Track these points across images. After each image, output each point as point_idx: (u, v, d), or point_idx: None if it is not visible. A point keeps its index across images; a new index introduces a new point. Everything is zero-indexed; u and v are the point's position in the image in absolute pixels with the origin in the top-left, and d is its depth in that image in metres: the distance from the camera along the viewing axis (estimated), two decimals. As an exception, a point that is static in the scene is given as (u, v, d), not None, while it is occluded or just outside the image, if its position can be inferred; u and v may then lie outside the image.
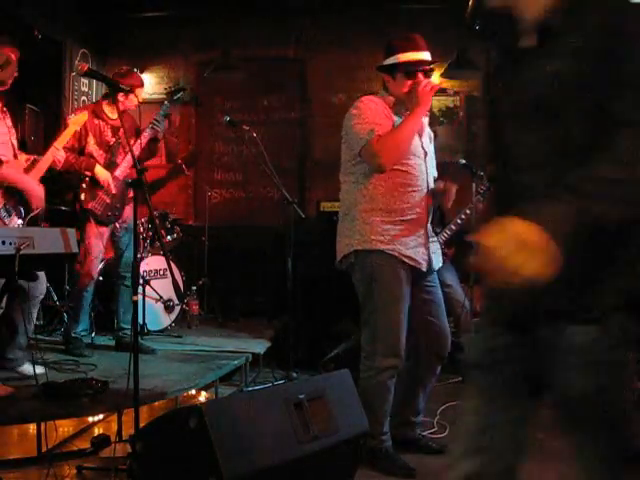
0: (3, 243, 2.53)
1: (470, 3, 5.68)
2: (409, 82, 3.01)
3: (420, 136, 3.10)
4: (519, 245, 1.25)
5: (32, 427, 3.02)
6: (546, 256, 1.25)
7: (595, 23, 1.37)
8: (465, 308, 4.62)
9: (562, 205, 1.30)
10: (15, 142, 3.54)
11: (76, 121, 3.88)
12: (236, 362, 4.22)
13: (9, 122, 3.50)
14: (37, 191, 3.46)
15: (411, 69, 3.02)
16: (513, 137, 1.51)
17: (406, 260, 2.98)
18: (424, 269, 3.04)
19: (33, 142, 5.90)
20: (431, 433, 3.48)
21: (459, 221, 4.47)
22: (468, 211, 4.43)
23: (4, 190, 3.35)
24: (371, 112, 2.97)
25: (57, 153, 3.62)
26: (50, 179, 3.81)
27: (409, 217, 3.00)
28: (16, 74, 3.46)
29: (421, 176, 3.06)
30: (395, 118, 3.03)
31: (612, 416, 1.40)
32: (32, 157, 3.61)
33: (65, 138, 3.74)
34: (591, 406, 1.40)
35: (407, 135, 2.96)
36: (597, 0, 1.41)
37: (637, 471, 1.39)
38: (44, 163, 3.54)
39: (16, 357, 3.56)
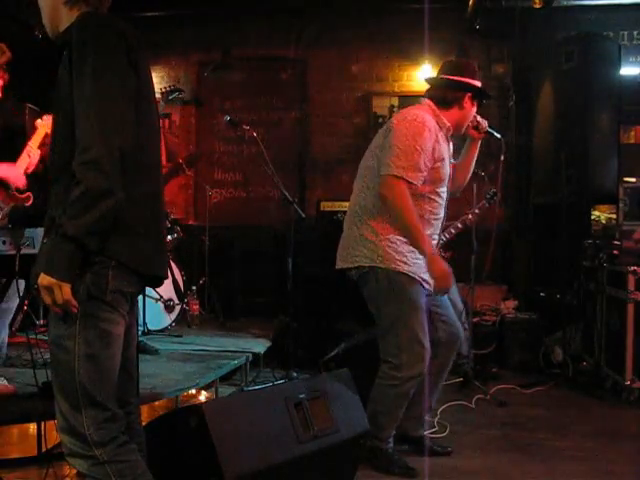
0: (4, 243, 2.53)
1: (470, 3, 5.69)
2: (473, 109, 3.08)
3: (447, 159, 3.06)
4: None
5: (32, 427, 3.02)
6: None
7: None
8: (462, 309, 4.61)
9: None
10: None
11: (46, 124, 3.84)
12: (236, 362, 4.21)
13: None
14: (13, 172, 3.39)
15: (477, 100, 3.07)
16: None
17: (423, 283, 2.96)
18: (431, 290, 3.01)
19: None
20: (431, 433, 3.48)
21: (460, 225, 4.43)
22: (470, 216, 4.40)
23: None
24: (423, 141, 2.87)
25: (32, 151, 3.59)
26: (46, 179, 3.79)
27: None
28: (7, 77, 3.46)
29: (444, 204, 3.07)
30: (442, 145, 2.97)
31: None
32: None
33: (37, 139, 3.71)
34: None
35: (411, 227, 2.87)
36: None
37: None
38: (22, 161, 3.54)
39: None
